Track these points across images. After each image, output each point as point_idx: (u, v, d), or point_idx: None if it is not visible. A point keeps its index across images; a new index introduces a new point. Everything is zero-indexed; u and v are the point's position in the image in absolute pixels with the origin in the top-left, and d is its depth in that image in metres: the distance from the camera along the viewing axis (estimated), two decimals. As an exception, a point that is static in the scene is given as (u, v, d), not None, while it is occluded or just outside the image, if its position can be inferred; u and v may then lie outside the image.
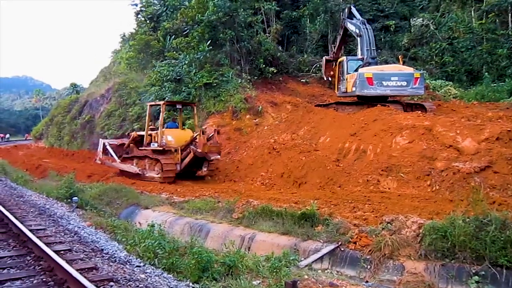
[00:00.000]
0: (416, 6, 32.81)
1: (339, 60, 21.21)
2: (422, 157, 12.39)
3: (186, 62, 22.61)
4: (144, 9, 33.98)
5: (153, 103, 18.68)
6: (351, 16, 21.39)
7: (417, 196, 10.98)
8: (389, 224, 7.73)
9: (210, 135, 16.03)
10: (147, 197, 13.13)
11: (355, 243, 7.66)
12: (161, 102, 17.18)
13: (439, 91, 23.07)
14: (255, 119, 20.46)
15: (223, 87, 21.96)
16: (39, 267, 6.31)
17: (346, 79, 19.08)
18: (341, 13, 23.26)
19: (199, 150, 15.34)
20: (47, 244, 7.13)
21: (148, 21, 32.53)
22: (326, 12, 29.10)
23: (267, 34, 28.30)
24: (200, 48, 22.52)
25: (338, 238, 7.93)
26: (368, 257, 7.30)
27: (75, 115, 34.13)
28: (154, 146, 16.59)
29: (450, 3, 30.48)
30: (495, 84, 21.74)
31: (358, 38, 19.91)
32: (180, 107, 18.67)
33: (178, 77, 22.29)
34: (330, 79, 23.62)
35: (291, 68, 27.55)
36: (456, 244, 6.66)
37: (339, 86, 20.45)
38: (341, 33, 22.28)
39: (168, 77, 22.49)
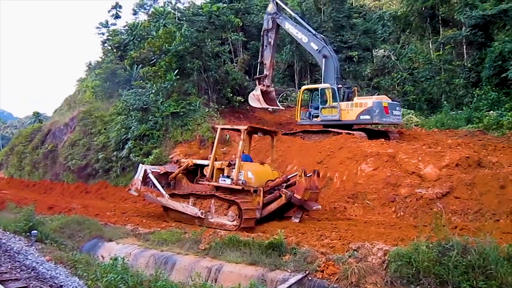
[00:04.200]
0: (378, 38, 34.45)
1: (323, 86, 19.28)
2: (387, 184, 12.68)
3: (153, 91, 22.52)
4: (111, 38, 33.98)
5: (228, 126, 15.75)
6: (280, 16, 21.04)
7: (383, 222, 11.18)
8: (355, 252, 7.77)
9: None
10: (112, 229, 12.69)
11: (322, 271, 7.62)
12: (243, 128, 13.13)
13: (401, 119, 23.89)
14: (222, 148, 20.42)
15: (191, 116, 21.91)
16: (-8, 307, 5.98)
17: (339, 107, 18.31)
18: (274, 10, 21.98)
19: (299, 197, 11.55)
20: (2, 282, 6.80)
21: (115, 50, 32.49)
22: (292, 43, 29.91)
23: (235, 64, 28.75)
24: (167, 77, 22.53)
25: (305, 267, 7.88)
26: (335, 285, 7.27)
27: (37, 145, 33.08)
28: (226, 182, 12.43)
29: (410, 35, 32.05)
30: (453, 112, 22.61)
31: (323, 60, 19.08)
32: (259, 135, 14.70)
33: (145, 106, 22.09)
34: (271, 109, 23.89)
35: (259, 97, 27.77)
36: (420, 270, 6.73)
37: (304, 115, 20.33)
38: (272, 40, 21.83)
39: (135, 106, 22.25)
